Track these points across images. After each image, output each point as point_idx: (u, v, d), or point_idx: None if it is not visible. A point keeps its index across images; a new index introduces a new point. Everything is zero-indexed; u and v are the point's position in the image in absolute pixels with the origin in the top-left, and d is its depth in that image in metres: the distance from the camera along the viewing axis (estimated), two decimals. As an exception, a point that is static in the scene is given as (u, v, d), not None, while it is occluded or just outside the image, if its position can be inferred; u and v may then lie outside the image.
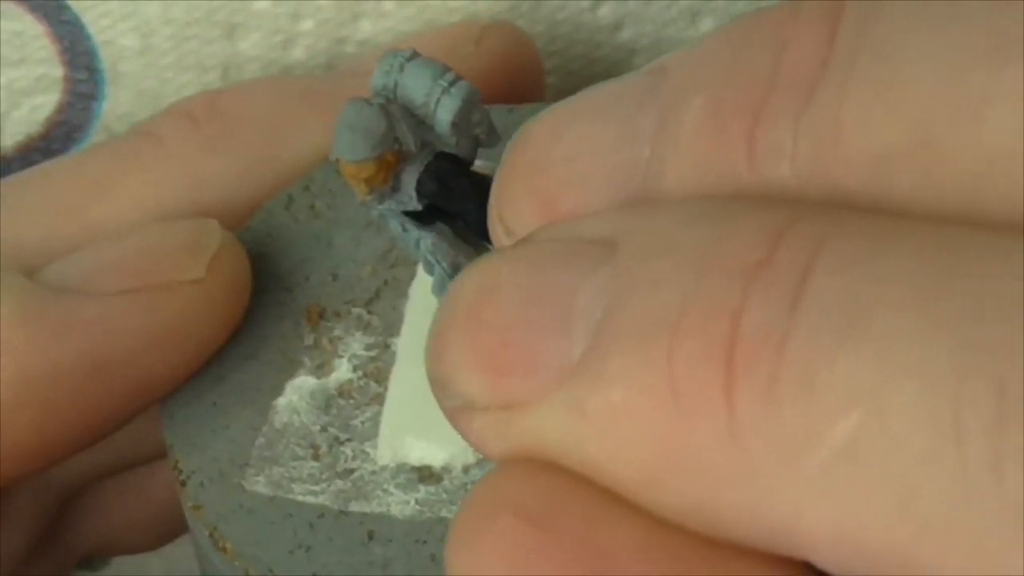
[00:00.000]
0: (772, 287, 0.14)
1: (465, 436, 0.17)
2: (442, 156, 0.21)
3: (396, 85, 0.21)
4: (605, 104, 0.18)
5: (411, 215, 0.22)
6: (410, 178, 0.21)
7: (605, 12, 0.32)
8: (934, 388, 0.13)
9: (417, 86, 0.21)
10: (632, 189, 0.17)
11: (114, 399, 0.25)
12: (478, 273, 0.17)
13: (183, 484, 0.24)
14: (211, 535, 0.23)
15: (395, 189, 0.22)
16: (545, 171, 0.18)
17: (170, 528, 0.33)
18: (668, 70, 0.17)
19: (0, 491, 0.28)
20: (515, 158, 0.18)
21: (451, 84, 0.21)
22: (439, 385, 0.17)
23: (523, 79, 0.30)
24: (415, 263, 0.26)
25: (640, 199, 0.17)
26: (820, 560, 0.14)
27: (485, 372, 0.16)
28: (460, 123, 0.21)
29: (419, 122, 0.21)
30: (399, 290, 0.26)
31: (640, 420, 0.15)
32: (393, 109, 0.21)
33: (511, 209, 0.18)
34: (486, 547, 0.15)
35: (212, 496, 0.24)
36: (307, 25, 0.31)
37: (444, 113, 0.21)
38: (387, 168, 0.21)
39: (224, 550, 0.23)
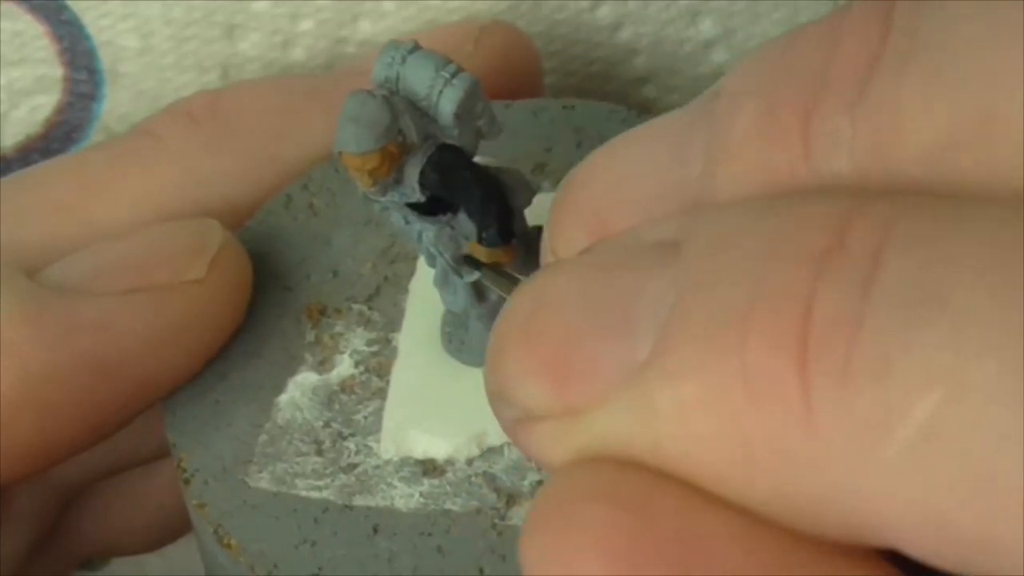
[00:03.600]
0: (844, 272, 0.14)
1: (524, 447, 0.17)
2: (445, 148, 0.22)
3: (398, 77, 0.21)
4: (657, 130, 0.18)
5: (414, 207, 0.22)
6: (413, 170, 0.21)
7: (604, 12, 0.32)
8: (1014, 366, 0.13)
9: (419, 78, 0.21)
10: (685, 204, 0.17)
11: (116, 399, 0.25)
12: (534, 284, 0.17)
13: (187, 482, 0.24)
14: (215, 532, 0.23)
15: (398, 181, 0.22)
16: (597, 195, 0.18)
17: (170, 529, 0.33)
18: (721, 88, 0.17)
19: (1, 491, 0.27)
20: (566, 194, 0.18)
21: (453, 75, 0.21)
22: (497, 397, 0.17)
23: (522, 78, 0.30)
24: (415, 259, 0.26)
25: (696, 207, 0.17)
26: (905, 546, 0.14)
27: (545, 380, 0.16)
28: (463, 114, 0.21)
29: (422, 114, 0.21)
30: (399, 286, 0.26)
31: (714, 412, 0.15)
32: (396, 101, 0.21)
33: (563, 239, 0.18)
34: (576, 536, 0.15)
35: (216, 493, 0.24)
36: (307, 25, 0.31)
37: (447, 104, 0.21)
38: (391, 160, 0.21)
39: (229, 546, 0.23)
